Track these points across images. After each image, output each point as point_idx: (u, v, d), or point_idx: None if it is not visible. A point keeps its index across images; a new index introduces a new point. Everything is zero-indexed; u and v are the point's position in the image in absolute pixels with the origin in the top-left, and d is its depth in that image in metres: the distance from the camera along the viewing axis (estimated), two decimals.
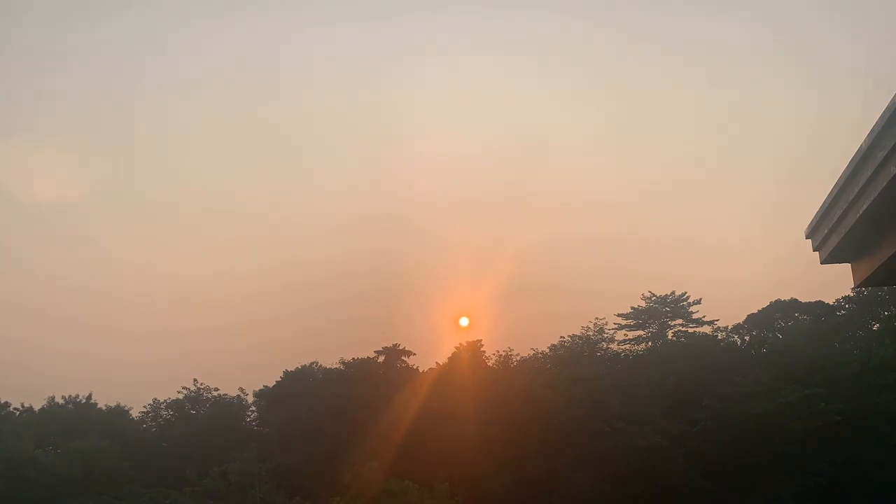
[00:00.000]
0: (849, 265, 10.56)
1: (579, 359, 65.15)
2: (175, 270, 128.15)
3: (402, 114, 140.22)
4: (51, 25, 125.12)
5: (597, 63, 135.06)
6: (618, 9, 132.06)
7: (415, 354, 71.00)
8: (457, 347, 69.87)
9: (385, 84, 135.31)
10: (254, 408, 76.46)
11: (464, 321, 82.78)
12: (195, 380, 74.19)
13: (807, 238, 10.49)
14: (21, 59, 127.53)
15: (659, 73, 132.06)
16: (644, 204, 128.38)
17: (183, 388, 74.03)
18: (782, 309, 73.52)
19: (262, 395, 73.78)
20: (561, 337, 70.65)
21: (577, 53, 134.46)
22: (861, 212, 8.32)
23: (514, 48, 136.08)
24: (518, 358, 69.75)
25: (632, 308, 72.34)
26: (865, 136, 7.61)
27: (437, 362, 72.19)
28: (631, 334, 72.36)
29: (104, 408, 76.25)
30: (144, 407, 75.65)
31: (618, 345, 71.62)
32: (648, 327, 72.29)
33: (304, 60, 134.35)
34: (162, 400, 75.01)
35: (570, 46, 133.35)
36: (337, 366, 72.22)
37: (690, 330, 70.69)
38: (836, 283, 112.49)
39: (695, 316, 71.30)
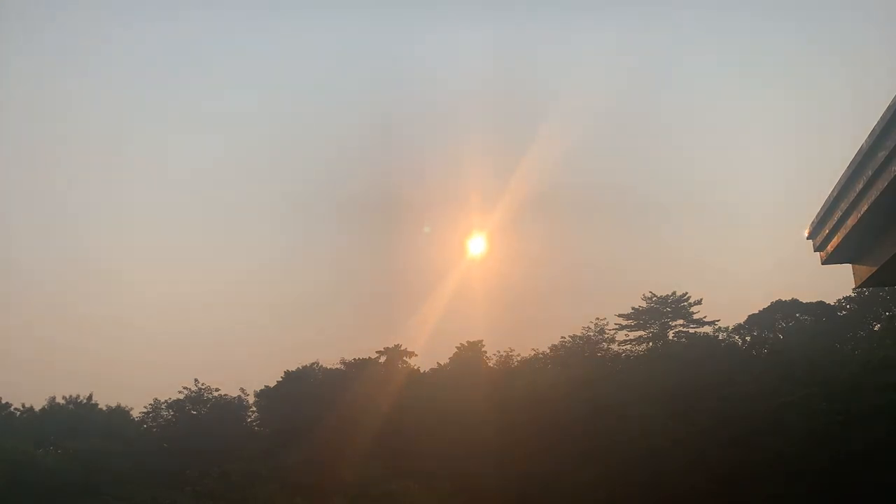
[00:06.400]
0: (850, 266, 10.54)
1: (580, 359, 65.20)
2: (175, 271, 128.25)
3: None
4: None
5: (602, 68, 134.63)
6: None
7: (416, 355, 71.08)
8: (458, 348, 70.02)
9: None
10: (254, 408, 76.40)
11: (477, 245, 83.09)
12: (196, 380, 74.19)
13: (808, 239, 10.46)
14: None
15: (661, 71, 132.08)
16: (644, 203, 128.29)
17: (184, 388, 74.00)
18: (783, 309, 73.39)
19: (262, 395, 73.72)
20: (562, 337, 70.80)
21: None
22: (862, 212, 8.31)
23: None
24: (519, 358, 69.85)
25: (632, 308, 72.23)
26: (867, 136, 7.60)
27: (437, 362, 72.34)
28: (632, 335, 72.26)
29: (105, 408, 76.39)
30: (145, 407, 75.62)
31: (618, 345, 71.60)
32: (649, 328, 72.16)
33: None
34: (162, 400, 74.98)
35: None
36: (338, 366, 72.29)
37: (691, 330, 70.59)
38: (837, 283, 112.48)
39: (696, 316, 71.18)
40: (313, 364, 73.88)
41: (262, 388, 73.57)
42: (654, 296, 71.85)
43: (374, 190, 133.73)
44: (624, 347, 71.58)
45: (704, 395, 53.05)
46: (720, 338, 69.32)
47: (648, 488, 49.10)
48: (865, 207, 8.12)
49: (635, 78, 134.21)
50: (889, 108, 6.95)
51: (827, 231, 9.73)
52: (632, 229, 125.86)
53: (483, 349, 69.71)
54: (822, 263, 10.57)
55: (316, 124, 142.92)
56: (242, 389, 75.25)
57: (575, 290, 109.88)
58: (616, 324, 71.76)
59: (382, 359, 70.20)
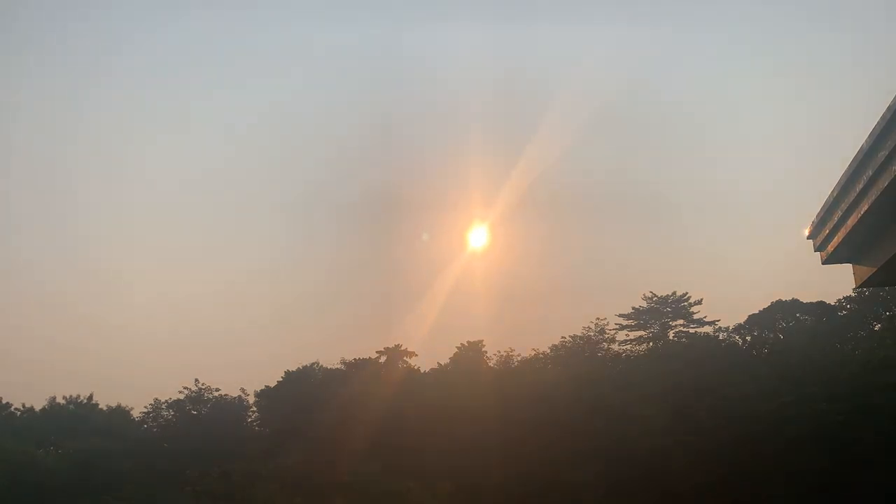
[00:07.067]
0: (850, 266, 10.55)
1: (580, 359, 65.20)
2: (176, 271, 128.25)
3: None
4: None
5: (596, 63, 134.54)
6: None
7: (416, 355, 71.03)
8: (458, 347, 69.99)
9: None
10: (255, 408, 76.40)
11: (476, 246, 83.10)
12: (196, 380, 74.21)
13: (808, 239, 10.48)
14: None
15: (661, 69, 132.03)
16: (645, 203, 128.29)
17: (184, 388, 74.02)
18: (783, 309, 73.33)
19: (262, 395, 73.71)
20: (562, 337, 70.75)
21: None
22: (862, 213, 8.32)
23: None
24: (519, 358, 69.80)
25: (633, 308, 72.23)
26: (866, 136, 7.60)
27: (438, 362, 72.28)
28: (632, 335, 72.25)
29: (105, 408, 76.44)
30: (145, 407, 75.66)
31: (619, 345, 71.58)
32: (649, 328, 72.14)
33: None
34: (163, 400, 75.00)
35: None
36: (338, 366, 72.26)
37: (691, 330, 70.56)
38: (837, 283, 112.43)
39: (696, 316, 71.16)
40: (313, 364, 73.88)
41: (263, 388, 73.62)
42: (655, 296, 71.86)
43: (374, 189, 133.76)
44: (624, 347, 71.64)
45: (705, 395, 53.02)
46: (720, 338, 69.31)
47: (648, 488, 49.09)
48: (865, 207, 8.13)
49: (635, 76, 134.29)
50: (889, 108, 6.96)
51: (827, 231, 9.73)
52: (632, 229, 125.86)
53: (483, 349, 69.69)
54: (823, 263, 10.58)
55: (316, 124, 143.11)
56: (243, 389, 75.36)
57: (575, 289, 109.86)
58: (616, 324, 71.83)
59: (382, 359, 70.15)
